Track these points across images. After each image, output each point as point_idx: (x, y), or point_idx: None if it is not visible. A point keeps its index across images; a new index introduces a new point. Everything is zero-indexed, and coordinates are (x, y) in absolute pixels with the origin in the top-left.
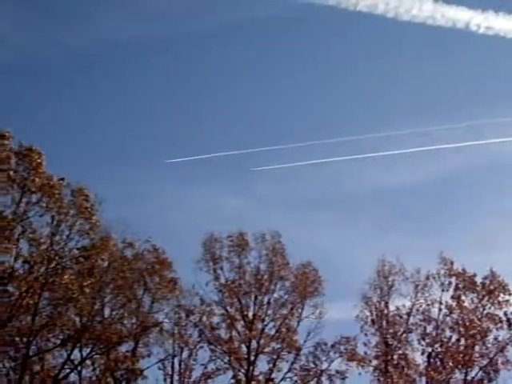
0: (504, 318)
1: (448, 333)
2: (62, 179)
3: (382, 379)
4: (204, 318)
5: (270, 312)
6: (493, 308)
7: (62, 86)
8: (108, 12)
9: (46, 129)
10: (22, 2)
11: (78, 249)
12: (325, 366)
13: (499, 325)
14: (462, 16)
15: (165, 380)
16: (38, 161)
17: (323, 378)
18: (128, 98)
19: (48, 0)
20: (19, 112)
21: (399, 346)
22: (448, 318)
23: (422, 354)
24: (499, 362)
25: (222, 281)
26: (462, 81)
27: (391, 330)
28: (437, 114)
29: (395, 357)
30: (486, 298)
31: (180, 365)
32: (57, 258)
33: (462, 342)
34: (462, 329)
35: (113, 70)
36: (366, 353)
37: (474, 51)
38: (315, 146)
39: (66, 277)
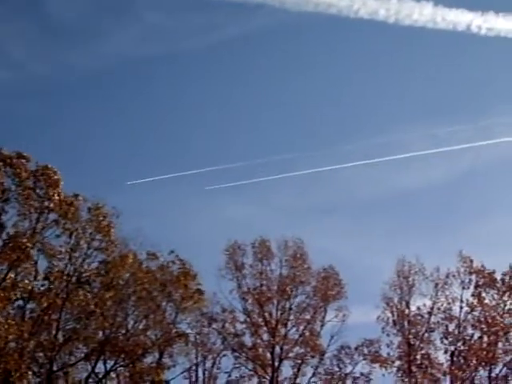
0: None
1: (470, 330)
2: (77, 195)
3: (405, 380)
4: (227, 325)
5: (292, 317)
6: None
7: (67, 104)
8: (115, 30)
9: (56, 146)
10: (27, 22)
11: (97, 263)
12: (349, 368)
13: None
14: (462, 18)
15: None
16: (56, 178)
17: (348, 381)
18: (135, 111)
19: (51, 18)
20: (24, 132)
21: (422, 345)
22: (469, 316)
23: (445, 352)
24: None
25: (245, 288)
26: (466, 82)
27: (413, 330)
28: (443, 116)
29: (418, 357)
30: (507, 294)
31: (204, 374)
32: (76, 273)
33: (485, 339)
34: (484, 326)
35: (121, 86)
36: (388, 354)
37: (476, 52)
38: (325, 154)
39: (85, 292)
